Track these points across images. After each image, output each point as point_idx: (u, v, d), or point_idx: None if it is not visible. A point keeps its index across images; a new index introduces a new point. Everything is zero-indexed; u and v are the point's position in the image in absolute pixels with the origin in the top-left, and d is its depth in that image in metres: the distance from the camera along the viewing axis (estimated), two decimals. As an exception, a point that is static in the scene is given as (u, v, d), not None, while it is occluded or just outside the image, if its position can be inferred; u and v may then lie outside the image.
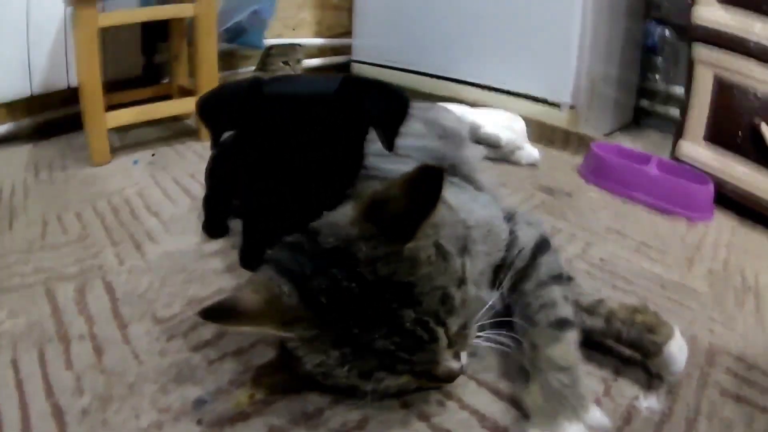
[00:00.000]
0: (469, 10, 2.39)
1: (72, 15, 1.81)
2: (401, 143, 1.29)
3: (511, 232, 1.04)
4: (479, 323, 0.90)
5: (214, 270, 1.23)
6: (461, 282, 0.80)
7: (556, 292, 0.97)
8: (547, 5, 2.16)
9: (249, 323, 0.77)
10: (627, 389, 0.95)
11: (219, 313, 0.77)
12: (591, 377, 0.96)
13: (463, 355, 0.82)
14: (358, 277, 0.74)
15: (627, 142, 2.37)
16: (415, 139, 1.33)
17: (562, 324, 0.92)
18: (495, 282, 1.01)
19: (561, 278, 1.00)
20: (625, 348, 0.98)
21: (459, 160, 1.35)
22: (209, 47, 1.99)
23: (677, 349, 0.93)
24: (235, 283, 1.19)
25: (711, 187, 1.70)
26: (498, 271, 1.01)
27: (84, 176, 1.78)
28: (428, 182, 0.73)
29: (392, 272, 0.74)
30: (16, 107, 2.14)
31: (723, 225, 1.64)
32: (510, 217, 1.07)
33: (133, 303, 1.12)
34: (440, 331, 0.76)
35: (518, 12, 2.24)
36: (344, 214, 0.80)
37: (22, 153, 2.02)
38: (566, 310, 0.95)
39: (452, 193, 1.03)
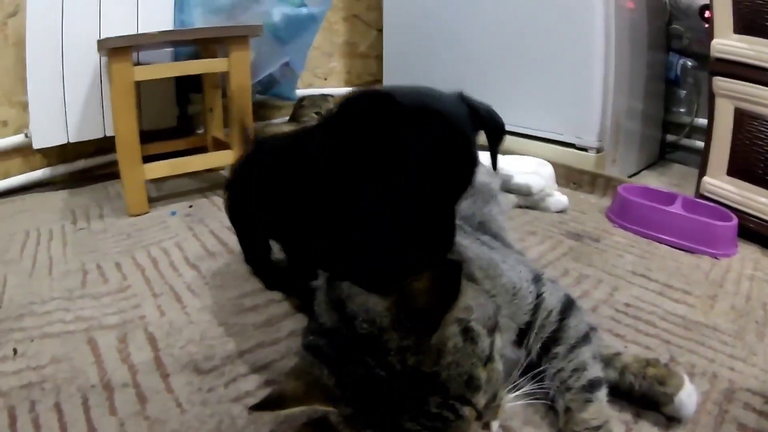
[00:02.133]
0: (494, 57, 2.45)
1: (107, 67, 1.86)
2: None
3: (538, 295, 1.07)
4: (510, 385, 0.94)
5: (253, 324, 1.26)
6: (488, 360, 0.83)
7: (586, 354, 1.01)
8: (570, 50, 2.21)
9: (297, 405, 0.81)
10: (646, 430, 0.98)
11: (267, 404, 0.82)
12: (613, 421, 0.98)
13: (495, 424, 0.85)
14: (388, 365, 0.78)
15: (654, 179, 2.42)
16: None
17: (593, 385, 0.97)
18: (522, 340, 1.04)
19: (588, 337, 1.04)
20: (637, 399, 1.02)
21: (488, 218, 1.37)
22: (243, 101, 2.03)
23: (687, 397, 0.98)
24: (273, 337, 1.22)
25: (735, 224, 1.72)
26: (525, 331, 1.04)
27: (122, 226, 1.83)
28: (449, 278, 0.77)
29: (419, 363, 0.77)
30: (51, 153, 2.22)
31: (746, 258, 1.66)
32: (537, 278, 1.10)
33: (174, 354, 1.16)
34: (466, 410, 0.79)
35: (542, 57, 2.30)
36: (380, 302, 0.83)
37: (57, 199, 2.10)
38: (596, 370, 1.00)
39: (481, 256, 1.07)
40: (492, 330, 0.87)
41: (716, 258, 1.65)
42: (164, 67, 2.02)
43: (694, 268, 1.58)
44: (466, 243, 1.12)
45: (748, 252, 1.70)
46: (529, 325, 1.05)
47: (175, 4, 2.22)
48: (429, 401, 0.77)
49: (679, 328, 1.29)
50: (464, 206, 1.35)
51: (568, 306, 1.08)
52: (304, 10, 2.34)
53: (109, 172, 2.21)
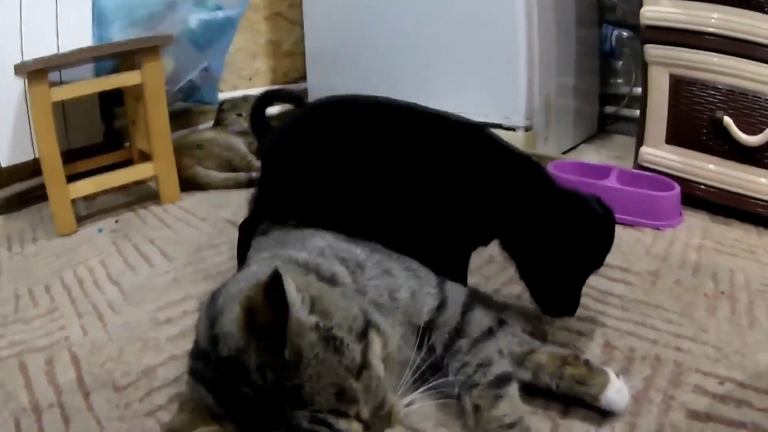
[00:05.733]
0: (414, 43, 2.45)
1: (27, 89, 1.89)
2: None
3: (441, 294, 1.06)
4: (415, 380, 0.94)
5: (167, 337, 1.31)
6: (361, 369, 0.81)
7: (490, 349, 0.99)
8: (492, 30, 2.21)
9: None
10: (576, 427, 0.95)
11: None
12: (537, 417, 0.96)
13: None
14: (252, 382, 0.76)
15: (592, 153, 2.41)
16: None
17: (501, 381, 0.94)
18: (423, 339, 1.01)
19: (492, 331, 1.02)
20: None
21: None
22: (159, 112, 2.06)
23: (615, 394, 0.94)
24: (185, 349, 1.16)
25: (677, 192, 1.69)
26: (427, 329, 1.03)
27: (52, 248, 1.87)
28: (276, 287, 0.76)
29: (279, 377, 0.76)
30: (-15, 178, 2.23)
31: (693, 228, 1.64)
32: (441, 282, 1.09)
33: (95, 372, 1.21)
34: (343, 423, 0.77)
35: (463, 39, 2.29)
36: (234, 322, 0.81)
37: (-6, 225, 2.12)
38: (503, 365, 0.97)
39: (372, 263, 1.07)
40: (362, 334, 0.85)
41: (659, 229, 1.63)
42: (81, 86, 2.03)
43: (635, 242, 1.57)
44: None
45: (695, 221, 1.69)
46: (429, 324, 1.03)
47: (93, 20, 2.23)
48: (297, 416, 0.76)
49: (615, 309, 1.26)
50: None
51: (471, 302, 1.07)
52: (220, 14, 2.36)
53: (44, 193, 2.22)
